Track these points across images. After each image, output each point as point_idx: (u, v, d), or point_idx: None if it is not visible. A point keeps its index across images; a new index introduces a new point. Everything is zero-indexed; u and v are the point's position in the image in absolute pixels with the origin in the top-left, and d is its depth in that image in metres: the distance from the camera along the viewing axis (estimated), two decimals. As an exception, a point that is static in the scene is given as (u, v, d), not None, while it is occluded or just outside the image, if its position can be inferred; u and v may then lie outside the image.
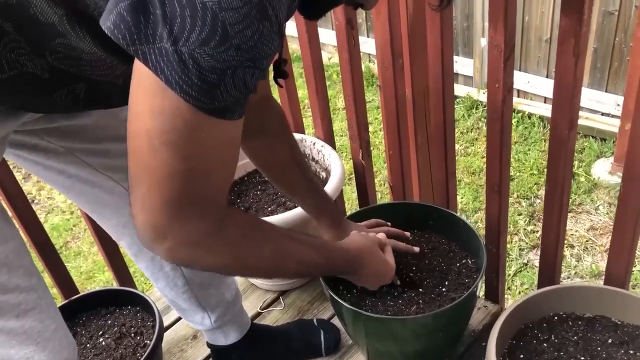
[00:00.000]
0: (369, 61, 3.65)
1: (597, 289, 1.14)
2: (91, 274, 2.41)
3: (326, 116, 1.57)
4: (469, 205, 2.49)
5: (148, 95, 0.59)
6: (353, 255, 1.03)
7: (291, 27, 1.44)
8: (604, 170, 2.58)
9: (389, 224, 1.29)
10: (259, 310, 1.53)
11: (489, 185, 1.27)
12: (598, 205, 2.42)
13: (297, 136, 1.60)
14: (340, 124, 3.14)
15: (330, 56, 3.76)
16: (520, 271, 2.15)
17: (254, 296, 1.58)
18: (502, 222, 1.30)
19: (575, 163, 2.57)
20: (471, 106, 3.16)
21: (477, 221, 2.39)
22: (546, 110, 2.96)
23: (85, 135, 0.95)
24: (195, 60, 0.56)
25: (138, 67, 0.59)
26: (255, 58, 0.59)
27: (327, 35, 3.31)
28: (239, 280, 1.63)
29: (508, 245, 2.22)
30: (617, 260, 1.16)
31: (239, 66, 0.58)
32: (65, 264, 1.53)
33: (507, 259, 2.16)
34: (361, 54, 1.41)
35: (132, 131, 0.62)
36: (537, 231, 2.30)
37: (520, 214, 2.40)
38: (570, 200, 2.30)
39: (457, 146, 2.88)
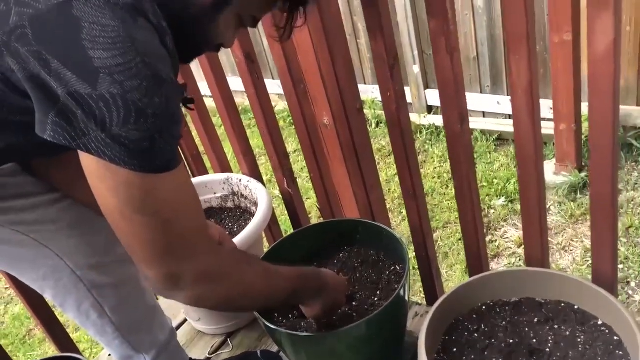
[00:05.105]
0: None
1: (518, 272, 1.16)
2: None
3: (248, 152, 1.60)
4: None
5: (101, 178, 0.71)
6: (324, 280, 1.06)
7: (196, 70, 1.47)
8: (550, 172, 2.63)
9: None
10: (208, 356, 1.50)
11: (404, 192, 1.30)
12: (549, 206, 2.46)
13: (222, 176, 1.63)
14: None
15: (275, 104, 3.82)
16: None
17: (202, 343, 1.55)
18: (424, 226, 1.33)
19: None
20: (415, 131, 3.23)
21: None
22: (486, 123, 3.05)
23: None
24: (126, 137, 0.67)
25: (84, 158, 0.71)
26: (170, 114, 0.70)
27: (270, 85, 3.35)
28: (186, 329, 1.61)
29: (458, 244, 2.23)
30: (532, 245, 1.19)
31: (162, 126, 0.69)
32: (31, 354, 1.48)
33: (456, 253, 2.17)
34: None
35: (105, 212, 0.74)
36: (495, 241, 2.34)
37: (471, 224, 2.43)
38: (512, 202, 2.35)
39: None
